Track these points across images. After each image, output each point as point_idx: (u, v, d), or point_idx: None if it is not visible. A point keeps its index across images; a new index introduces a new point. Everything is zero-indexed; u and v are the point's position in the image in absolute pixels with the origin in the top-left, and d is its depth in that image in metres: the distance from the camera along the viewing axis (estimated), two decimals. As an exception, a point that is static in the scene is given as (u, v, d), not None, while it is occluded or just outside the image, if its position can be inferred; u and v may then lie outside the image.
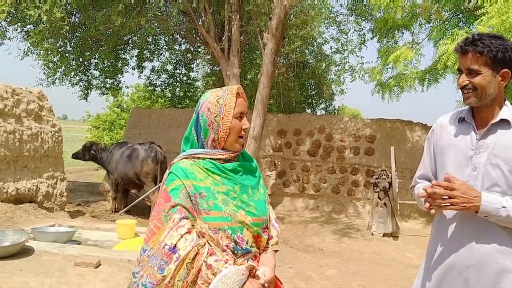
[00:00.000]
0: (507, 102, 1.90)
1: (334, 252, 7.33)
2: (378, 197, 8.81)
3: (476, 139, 1.87)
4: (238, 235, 1.68)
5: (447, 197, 1.74)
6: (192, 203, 1.66)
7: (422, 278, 2.00)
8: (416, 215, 10.07)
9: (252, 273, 1.66)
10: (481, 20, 5.98)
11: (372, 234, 8.62)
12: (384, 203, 8.69)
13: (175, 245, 1.56)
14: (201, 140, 1.78)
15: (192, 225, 1.64)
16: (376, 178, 8.89)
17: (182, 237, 1.58)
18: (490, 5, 5.78)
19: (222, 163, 1.75)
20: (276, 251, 1.88)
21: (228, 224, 1.66)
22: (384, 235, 8.51)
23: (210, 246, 1.64)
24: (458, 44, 1.89)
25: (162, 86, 15.42)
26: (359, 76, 12.76)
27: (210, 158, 1.73)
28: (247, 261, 1.70)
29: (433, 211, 1.81)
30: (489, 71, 1.81)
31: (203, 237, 1.65)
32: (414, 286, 2.08)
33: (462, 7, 7.66)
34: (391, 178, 8.57)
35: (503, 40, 1.82)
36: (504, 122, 1.84)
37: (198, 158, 1.74)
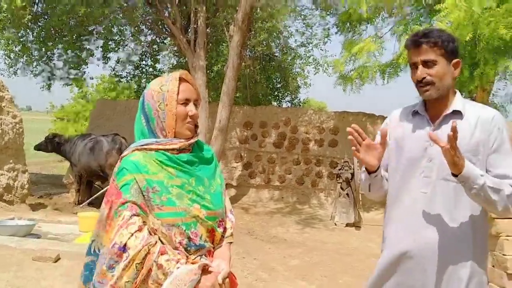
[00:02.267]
0: (458, 94, 1.94)
1: (298, 242, 7.42)
2: (341, 188, 8.99)
3: (431, 130, 1.87)
4: (192, 231, 1.62)
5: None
6: (144, 199, 1.58)
7: (381, 268, 2.01)
8: (378, 206, 10.32)
9: (205, 271, 1.60)
10: (440, 16, 6.17)
11: (335, 224, 8.79)
12: (347, 194, 8.88)
13: (125, 243, 1.49)
14: (151, 130, 1.70)
15: (144, 222, 1.56)
16: (339, 170, 9.07)
17: (132, 235, 1.50)
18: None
19: (176, 154, 1.67)
20: (231, 243, 1.83)
21: (182, 220, 1.60)
22: (347, 225, 8.70)
23: (162, 243, 1.57)
24: (409, 40, 1.92)
25: (127, 78, 15.17)
26: (322, 69, 12.93)
27: (164, 149, 1.65)
28: (200, 258, 1.65)
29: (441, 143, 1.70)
30: (445, 61, 1.85)
31: (155, 233, 1.58)
32: (373, 275, 2.07)
33: (423, 2, 7.86)
34: (353, 169, 8.77)
35: (448, 33, 1.89)
36: (456, 113, 1.88)
37: (151, 149, 1.65)
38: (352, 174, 8.78)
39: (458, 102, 1.90)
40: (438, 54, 1.85)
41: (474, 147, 1.82)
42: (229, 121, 9.49)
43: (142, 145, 1.67)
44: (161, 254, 1.52)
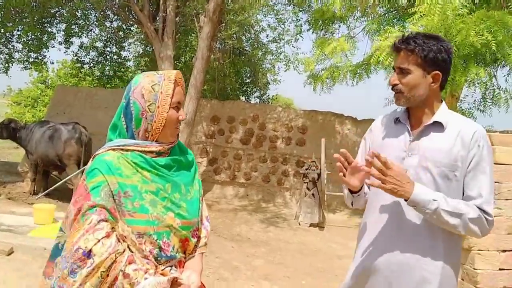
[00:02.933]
0: (443, 104, 1.85)
1: (262, 241, 7.34)
2: (307, 188, 8.94)
3: (410, 140, 1.82)
4: (164, 241, 1.54)
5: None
6: (115, 203, 1.48)
7: (350, 278, 1.95)
8: (342, 207, 10.36)
9: (175, 284, 1.51)
10: (413, 19, 6.17)
11: (299, 224, 8.74)
12: (312, 194, 8.84)
13: (90, 249, 1.39)
14: (131, 130, 1.58)
15: (112, 228, 1.46)
16: (306, 169, 9.01)
17: (99, 241, 1.40)
18: (422, 2, 5.94)
19: (154, 157, 1.57)
20: (203, 253, 1.75)
21: (154, 229, 1.51)
22: (311, 225, 8.66)
23: (131, 252, 1.48)
24: (393, 43, 1.84)
25: (90, 64, 14.75)
26: (293, 67, 12.88)
27: (141, 151, 1.55)
28: (170, 269, 1.57)
29: (368, 181, 1.75)
30: (420, 71, 1.76)
31: (124, 241, 1.48)
32: (343, 284, 2.02)
33: (396, 5, 7.87)
34: (320, 169, 8.72)
35: (438, 41, 1.77)
36: (437, 125, 1.79)
37: (127, 150, 1.54)
38: (319, 174, 8.74)
39: (441, 113, 1.82)
40: (413, 63, 1.77)
41: (452, 162, 1.74)
42: (196, 114, 9.27)
43: (118, 145, 1.56)
44: (129, 263, 1.44)
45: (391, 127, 1.91)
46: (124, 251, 1.45)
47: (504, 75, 7.65)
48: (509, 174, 3.62)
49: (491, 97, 6.87)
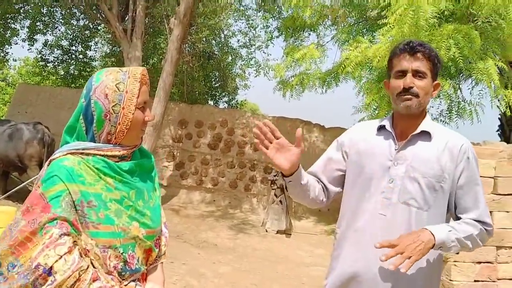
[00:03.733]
0: (428, 115, 1.83)
1: (228, 248, 7.26)
2: (275, 194, 8.93)
3: (395, 149, 1.77)
4: (129, 253, 1.43)
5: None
6: (78, 214, 1.35)
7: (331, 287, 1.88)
8: (308, 214, 10.41)
9: None
10: (383, 30, 6.27)
11: (266, 231, 8.72)
12: (280, 201, 8.83)
13: (51, 267, 1.25)
14: (91, 132, 1.43)
15: (75, 241, 1.33)
16: (274, 175, 9.00)
17: (61, 258, 1.27)
18: (392, 14, 6.03)
19: (117, 161, 1.45)
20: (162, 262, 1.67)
21: (120, 241, 1.40)
22: (278, 232, 8.65)
23: (94, 268, 1.36)
24: (403, 45, 1.76)
25: (55, 62, 14.38)
26: (264, 73, 12.90)
27: (104, 155, 1.42)
28: (136, 285, 1.48)
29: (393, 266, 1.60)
30: (430, 78, 1.73)
31: (86, 255, 1.36)
32: None
33: (366, 15, 7.99)
34: (288, 176, 8.71)
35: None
36: (424, 134, 1.76)
37: (88, 154, 1.40)
38: (287, 181, 8.73)
39: (427, 123, 1.78)
40: (427, 68, 1.72)
41: (439, 172, 1.71)
42: (164, 117, 9.12)
43: (77, 149, 1.41)
44: (93, 281, 1.32)
45: (374, 135, 1.86)
46: (87, 268, 1.32)
47: (469, 88, 7.85)
48: (486, 187, 3.70)
49: (456, 109, 7.03)
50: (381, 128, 1.85)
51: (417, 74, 1.72)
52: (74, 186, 1.34)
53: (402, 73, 1.75)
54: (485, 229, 1.73)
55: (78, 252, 1.32)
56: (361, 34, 7.92)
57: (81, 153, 1.41)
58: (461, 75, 7.53)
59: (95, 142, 1.44)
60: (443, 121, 7.68)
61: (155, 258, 1.61)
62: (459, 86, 7.60)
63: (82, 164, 1.39)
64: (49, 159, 1.42)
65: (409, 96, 1.72)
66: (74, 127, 1.46)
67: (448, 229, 1.64)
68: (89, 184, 1.37)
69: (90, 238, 1.36)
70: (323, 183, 1.94)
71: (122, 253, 1.41)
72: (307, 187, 1.84)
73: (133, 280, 1.48)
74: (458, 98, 7.20)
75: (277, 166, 1.70)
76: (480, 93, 7.22)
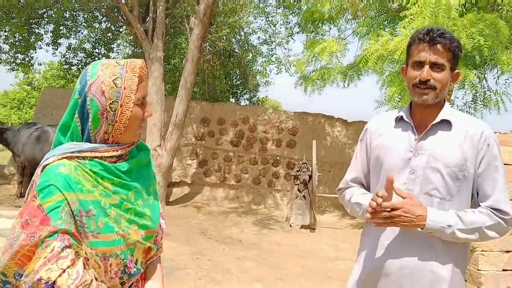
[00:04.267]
0: (447, 103, 1.80)
1: (253, 243, 7.29)
2: (298, 190, 8.92)
3: (415, 140, 1.75)
4: (129, 258, 1.40)
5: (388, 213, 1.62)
6: (77, 224, 1.27)
7: (356, 281, 1.88)
8: (332, 208, 10.37)
9: None
10: (404, 22, 6.19)
11: (290, 226, 8.72)
12: (304, 196, 8.81)
13: (54, 281, 1.20)
14: (87, 132, 1.35)
15: (77, 253, 1.27)
16: (297, 171, 8.99)
17: (64, 271, 1.21)
18: (414, 4, 5.95)
19: (114, 162, 1.38)
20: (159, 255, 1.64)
21: (121, 248, 1.35)
22: (302, 227, 8.64)
23: (97, 281, 1.31)
24: (421, 34, 1.72)
25: (78, 66, 14.57)
26: (285, 69, 12.86)
27: (100, 157, 1.34)
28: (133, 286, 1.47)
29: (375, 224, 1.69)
30: (449, 69, 1.70)
31: (86, 263, 1.31)
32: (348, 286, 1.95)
33: (387, 7, 7.89)
34: (311, 171, 8.70)
35: (456, 39, 1.72)
36: (445, 123, 1.74)
37: (84, 157, 1.32)
38: (310, 176, 8.72)
39: (447, 111, 1.76)
40: (447, 59, 1.69)
41: (461, 161, 1.69)
42: (186, 116, 9.20)
43: (73, 152, 1.32)
44: None
45: (393, 126, 1.84)
46: (91, 282, 1.27)
47: (494, 77, 7.69)
48: (511, 174, 3.63)
49: (482, 99, 6.90)
50: (400, 119, 1.83)
51: (435, 66, 1.69)
52: (72, 195, 1.27)
53: (420, 64, 1.72)
54: (502, 218, 1.68)
55: (81, 264, 1.26)
56: (382, 27, 7.83)
57: (77, 157, 1.32)
58: (486, 64, 7.38)
59: (90, 142, 1.36)
60: (468, 112, 7.55)
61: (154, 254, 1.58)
62: (484, 75, 7.46)
63: (79, 169, 1.30)
64: (42, 165, 1.32)
65: (426, 90, 1.70)
66: (68, 126, 1.37)
67: (447, 222, 1.62)
68: (87, 191, 1.30)
69: (90, 248, 1.30)
70: (365, 185, 1.98)
71: (122, 260, 1.37)
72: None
73: (131, 285, 1.46)
74: (483, 88, 7.06)
75: None
76: (506, 82, 7.07)
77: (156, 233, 1.54)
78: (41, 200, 1.24)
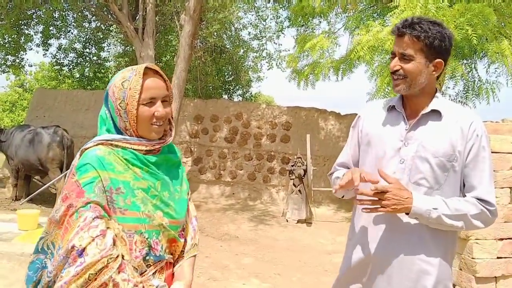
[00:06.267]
0: (438, 93, 1.81)
1: (250, 239, 7.31)
2: (293, 184, 8.93)
3: (406, 129, 1.76)
4: (154, 239, 1.49)
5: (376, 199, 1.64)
6: (107, 200, 1.41)
7: (345, 273, 1.91)
8: (328, 201, 10.41)
9: None
10: (394, 13, 6.20)
11: (287, 221, 8.74)
12: (299, 190, 8.84)
13: (84, 248, 1.31)
14: (116, 126, 1.53)
15: (108, 227, 1.38)
16: (292, 166, 9.00)
17: (93, 240, 1.33)
18: None
19: (144, 154, 1.51)
20: (195, 255, 1.69)
21: (145, 227, 1.46)
22: (298, 221, 8.67)
23: (123, 259, 1.40)
24: (396, 26, 1.76)
25: (69, 66, 14.51)
26: (276, 64, 12.85)
27: (131, 148, 1.49)
28: (158, 275, 1.52)
29: (364, 210, 1.70)
30: (423, 58, 1.71)
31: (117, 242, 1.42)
32: (337, 278, 1.97)
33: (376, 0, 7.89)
34: (306, 165, 8.72)
35: (442, 28, 1.72)
36: (435, 113, 1.75)
37: (117, 146, 1.48)
38: (305, 171, 8.74)
39: (438, 101, 1.77)
40: (417, 49, 1.70)
41: (450, 151, 1.71)
42: (179, 114, 9.18)
43: (108, 140, 1.49)
44: (119, 272, 1.36)
45: (384, 115, 1.86)
46: (117, 257, 1.36)
47: (485, 67, 7.72)
48: (504, 162, 3.66)
49: (472, 88, 6.93)
50: (391, 108, 1.85)
51: (403, 56, 1.72)
52: (105, 173, 1.42)
53: (393, 55, 1.77)
54: (487, 209, 1.70)
55: (111, 239, 1.37)
56: (372, 19, 7.83)
57: (111, 144, 1.48)
58: (475, 53, 7.40)
59: (121, 134, 1.52)
60: (461, 102, 7.59)
61: (185, 251, 1.65)
62: (474, 65, 7.49)
63: (112, 154, 1.46)
64: (80, 150, 1.51)
65: (398, 81, 1.75)
66: (103, 119, 1.55)
67: (433, 206, 1.65)
68: (119, 172, 1.45)
69: (117, 223, 1.42)
70: None
71: (147, 238, 1.46)
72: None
73: (155, 272, 1.51)
74: (474, 78, 7.10)
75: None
76: (496, 71, 7.11)
77: (183, 228, 1.64)
78: (78, 176, 1.41)
